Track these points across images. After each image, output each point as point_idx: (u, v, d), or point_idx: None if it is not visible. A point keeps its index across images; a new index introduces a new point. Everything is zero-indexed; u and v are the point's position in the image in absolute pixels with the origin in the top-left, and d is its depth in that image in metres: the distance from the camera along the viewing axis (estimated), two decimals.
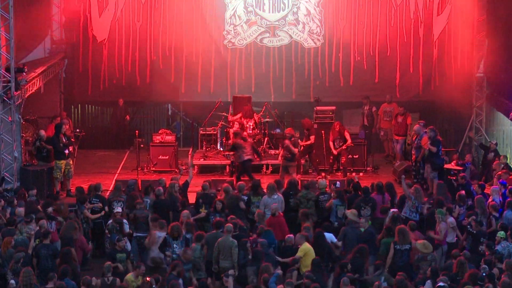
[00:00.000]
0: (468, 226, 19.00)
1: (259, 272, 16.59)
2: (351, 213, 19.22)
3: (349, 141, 24.42)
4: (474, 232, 18.71)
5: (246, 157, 23.00)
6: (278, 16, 27.81)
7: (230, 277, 16.16)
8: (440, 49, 27.70)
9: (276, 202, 19.84)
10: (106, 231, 18.88)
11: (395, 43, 27.73)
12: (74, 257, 17.56)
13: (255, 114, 25.67)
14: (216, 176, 23.92)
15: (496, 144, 24.49)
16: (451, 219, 19.11)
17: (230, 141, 24.06)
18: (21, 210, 18.88)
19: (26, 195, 20.29)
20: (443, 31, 27.69)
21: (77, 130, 25.97)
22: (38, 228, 18.08)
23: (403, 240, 17.80)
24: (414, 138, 23.51)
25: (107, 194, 21.62)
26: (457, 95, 27.11)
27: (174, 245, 17.53)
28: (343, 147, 24.35)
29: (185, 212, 18.94)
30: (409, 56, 27.76)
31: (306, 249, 17.46)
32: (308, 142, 24.41)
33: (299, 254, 17.36)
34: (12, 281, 15.79)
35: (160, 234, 17.88)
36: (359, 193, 20.41)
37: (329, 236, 18.40)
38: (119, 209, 19.02)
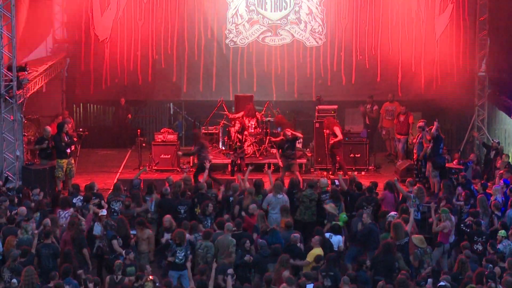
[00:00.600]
0: (462, 225, 19.02)
1: (279, 262, 16.64)
2: (330, 207, 19.28)
3: (339, 136, 24.36)
4: (468, 231, 18.71)
5: (210, 157, 23.14)
6: (280, 15, 27.81)
7: (229, 276, 16.16)
8: (442, 48, 27.67)
9: (281, 202, 19.86)
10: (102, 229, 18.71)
11: (397, 42, 27.71)
12: (86, 258, 17.62)
13: (257, 113, 25.70)
14: (218, 175, 23.90)
15: (498, 143, 24.48)
16: (452, 218, 19.10)
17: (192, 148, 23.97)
18: (23, 209, 18.88)
19: (30, 194, 20.29)
20: (445, 30, 27.67)
21: (80, 130, 25.98)
22: (42, 227, 18.14)
23: (398, 236, 17.86)
24: (418, 137, 23.48)
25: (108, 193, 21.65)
26: (459, 94, 27.14)
27: (178, 252, 17.38)
28: (331, 142, 24.31)
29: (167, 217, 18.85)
30: (411, 55, 27.73)
31: (315, 255, 17.37)
32: (278, 139, 24.47)
33: (308, 259, 17.28)
34: (14, 280, 15.80)
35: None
36: (362, 191, 20.42)
37: (338, 239, 18.40)
38: (104, 212, 18.62)
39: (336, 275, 16.46)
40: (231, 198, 20.17)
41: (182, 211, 19.61)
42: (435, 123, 22.47)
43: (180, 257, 17.26)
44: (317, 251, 17.39)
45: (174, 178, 21.24)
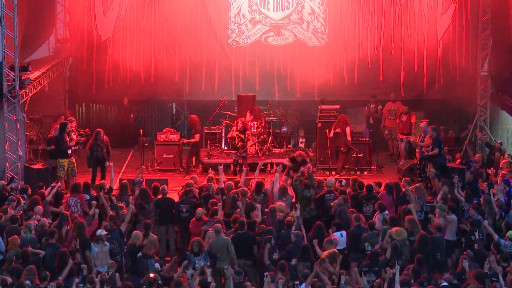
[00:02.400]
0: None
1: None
2: (280, 206, 19.37)
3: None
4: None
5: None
6: (282, 15, 27.82)
7: (230, 277, 16.16)
8: (444, 48, 27.67)
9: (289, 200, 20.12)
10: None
11: (400, 42, 27.72)
12: (88, 260, 17.59)
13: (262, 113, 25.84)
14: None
15: (501, 143, 24.47)
16: (453, 217, 19.10)
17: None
18: (39, 208, 18.92)
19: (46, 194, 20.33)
20: (447, 30, 27.67)
21: (82, 130, 26.02)
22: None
23: (414, 230, 18.23)
24: (419, 137, 23.48)
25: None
26: (461, 93, 27.12)
27: (196, 262, 17.09)
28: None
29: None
30: (413, 54, 27.74)
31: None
32: (192, 140, 24.55)
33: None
34: (28, 282, 15.77)
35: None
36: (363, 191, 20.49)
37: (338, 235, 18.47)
38: (104, 232, 17.86)
39: (380, 270, 16.83)
40: (224, 197, 20.24)
41: (184, 210, 19.65)
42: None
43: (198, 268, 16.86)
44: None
45: (176, 178, 21.26)
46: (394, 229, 18.11)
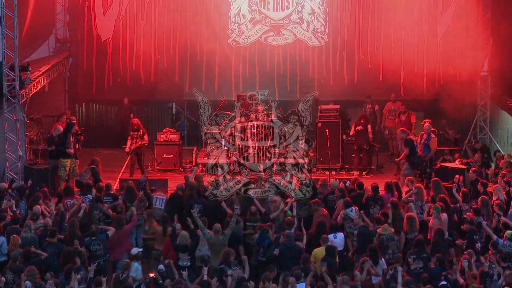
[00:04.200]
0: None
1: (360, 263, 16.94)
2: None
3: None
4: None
5: None
6: (282, 15, 27.81)
7: (229, 277, 16.16)
8: (444, 48, 27.66)
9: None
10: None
11: (400, 42, 27.71)
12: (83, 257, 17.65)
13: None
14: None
15: (477, 141, 24.73)
16: (444, 216, 19.12)
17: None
18: (38, 208, 18.95)
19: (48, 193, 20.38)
20: (447, 30, 27.66)
21: (77, 129, 25.99)
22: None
23: (411, 229, 18.40)
24: (423, 137, 23.49)
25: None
26: (461, 94, 27.10)
27: (229, 272, 16.64)
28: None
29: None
30: (413, 54, 27.73)
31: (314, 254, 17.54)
32: (144, 142, 24.66)
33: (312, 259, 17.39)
34: (28, 282, 15.79)
35: None
36: (363, 191, 20.50)
37: (340, 237, 18.53)
38: (137, 250, 17.68)
39: (428, 256, 17.15)
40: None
41: (198, 210, 19.54)
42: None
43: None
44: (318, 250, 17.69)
45: (177, 178, 21.22)
46: (379, 229, 18.32)
